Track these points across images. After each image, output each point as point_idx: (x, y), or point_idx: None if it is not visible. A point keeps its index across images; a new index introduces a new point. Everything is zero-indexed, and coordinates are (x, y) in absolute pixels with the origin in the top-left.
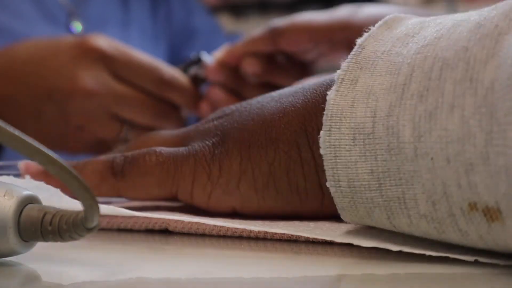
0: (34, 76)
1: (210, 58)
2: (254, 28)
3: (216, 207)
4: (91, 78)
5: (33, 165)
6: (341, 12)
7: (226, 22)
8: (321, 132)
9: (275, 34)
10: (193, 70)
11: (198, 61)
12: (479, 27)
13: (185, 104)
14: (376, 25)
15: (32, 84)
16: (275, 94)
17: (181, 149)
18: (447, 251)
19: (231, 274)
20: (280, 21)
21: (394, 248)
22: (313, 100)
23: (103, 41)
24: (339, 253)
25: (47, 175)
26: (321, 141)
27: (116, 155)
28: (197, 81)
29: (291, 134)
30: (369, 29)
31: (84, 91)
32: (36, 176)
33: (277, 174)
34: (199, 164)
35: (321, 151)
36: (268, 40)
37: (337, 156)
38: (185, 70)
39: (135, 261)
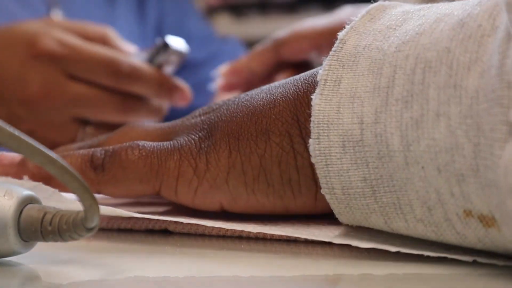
0: None
1: (177, 42)
2: (254, 28)
3: (203, 204)
4: (43, 83)
5: (6, 156)
6: (342, 14)
7: (226, 22)
8: (310, 140)
9: (277, 45)
10: (161, 57)
11: (164, 47)
12: (462, 25)
13: (152, 94)
14: (359, 15)
15: None
16: (264, 87)
17: (166, 143)
18: (445, 251)
19: (229, 272)
20: (281, 32)
21: (392, 249)
22: (305, 89)
23: (52, 41)
24: (338, 253)
25: (21, 167)
26: (310, 149)
27: (96, 148)
28: (164, 68)
29: (283, 124)
30: (351, 21)
31: (36, 97)
32: (9, 167)
33: (268, 166)
34: (185, 159)
35: (312, 160)
36: (271, 53)
37: (329, 164)
38: (152, 57)
39: (134, 260)
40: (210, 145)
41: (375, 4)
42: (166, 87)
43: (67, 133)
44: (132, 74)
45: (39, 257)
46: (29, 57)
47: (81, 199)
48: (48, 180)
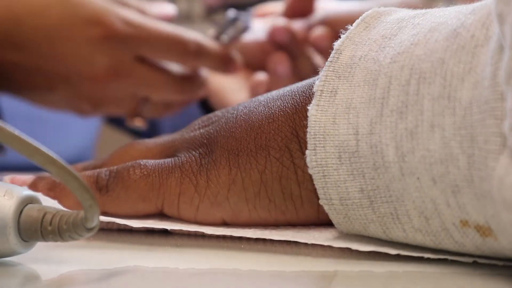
0: (47, 50)
1: (247, 18)
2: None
3: (205, 220)
4: (110, 63)
5: (19, 178)
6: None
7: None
8: (307, 151)
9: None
10: (230, 32)
11: (234, 21)
12: (455, 36)
13: (216, 69)
14: (354, 24)
15: (45, 57)
16: (262, 98)
17: (167, 161)
18: (445, 253)
19: (229, 266)
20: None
21: (392, 251)
22: (303, 103)
23: (118, 21)
24: (338, 253)
25: (33, 188)
26: (307, 160)
27: (101, 169)
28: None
29: (282, 139)
30: (347, 29)
31: (103, 78)
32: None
33: (269, 182)
34: (186, 176)
35: (309, 171)
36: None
37: (326, 175)
38: (220, 32)
39: (134, 256)
40: (211, 162)
41: (370, 12)
42: (225, 61)
43: (126, 108)
44: (198, 52)
45: (39, 257)
46: (97, 38)
47: (81, 199)
48: (59, 199)
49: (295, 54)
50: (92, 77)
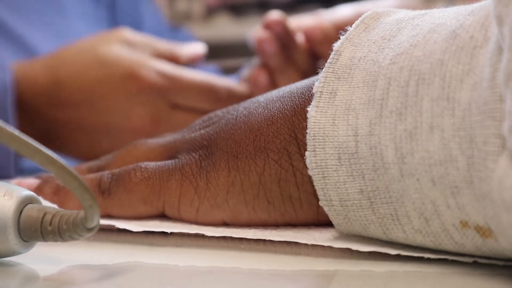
0: (87, 108)
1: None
2: (254, 28)
3: (205, 221)
4: (148, 114)
5: (25, 182)
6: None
7: (226, 22)
8: (306, 152)
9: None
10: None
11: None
12: (454, 37)
13: None
14: (354, 25)
15: (86, 115)
16: (261, 99)
17: (167, 163)
18: (445, 253)
19: (229, 264)
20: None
21: (393, 252)
22: (302, 105)
23: (152, 73)
24: (338, 253)
25: (39, 192)
26: (307, 162)
27: (104, 172)
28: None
29: (281, 142)
30: (346, 30)
31: (144, 129)
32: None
33: (267, 184)
34: (186, 178)
35: (309, 172)
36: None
37: (325, 176)
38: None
39: (134, 255)
40: (210, 164)
41: (369, 13)
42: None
43: None
44: (229, 98)
45: (39, 257)
46: (133, 92)
47: (81, 199)
48: (63, 203)
49: (290, 45)
50: (131, 129)
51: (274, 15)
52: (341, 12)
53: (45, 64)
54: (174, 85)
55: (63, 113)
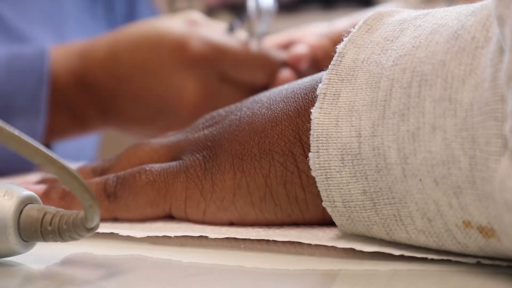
0: (140, 83)
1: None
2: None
3: (212, 222)
4: (198, 87)
5: (32, 188)
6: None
7: (226, 22)
8: (310, 154)
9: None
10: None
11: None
12: (456, 37)
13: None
14: (356, 26)
15: (140, 89)
16: (265, 99)
17: (172, 165)
18: (449, 254)
19: (233, 262)
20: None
21: (396, 252)
22: (306, 107)
23: (200, 43)
24: (341, 253)
25: (44, 198)
26: (310, 163)
27: (108, 176)
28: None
29: (285, 144)
30: (349, 32)
31: (192, 102)
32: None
33: (274, 186)
34: (191, 180)
35: (312, 173)
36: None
37: (329, 177)
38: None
39: (135, 254)
40: (215, 166)
41: (371, 14)
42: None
43: None
44: (279, 66)
45: (39, 257)
46: (183, 62)
47: (81, 199)
48: (69, 208)
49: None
50: (183, 104)
51: (299, 49)
52: (338, 25)
53: (107, 40)
54: (223, 54)
55: (120, 86)
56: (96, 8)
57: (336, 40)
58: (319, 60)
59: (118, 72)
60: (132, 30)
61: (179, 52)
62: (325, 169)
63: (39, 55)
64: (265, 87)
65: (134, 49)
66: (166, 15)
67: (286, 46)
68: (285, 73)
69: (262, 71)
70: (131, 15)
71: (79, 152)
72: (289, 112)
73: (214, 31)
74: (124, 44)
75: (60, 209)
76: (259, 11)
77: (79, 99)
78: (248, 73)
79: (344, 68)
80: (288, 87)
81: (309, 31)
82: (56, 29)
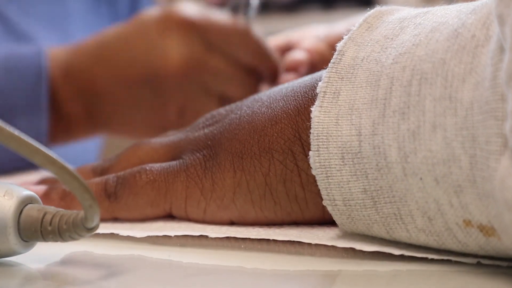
0: (124, 58)
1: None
2: (254, 28)
3: (213, 221)
4: (184, 52)
5: (32, 188)
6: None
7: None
8: (310, 152)
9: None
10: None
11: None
12: (456, 36)
13: (268, 76)
14: (356, 24)
15: (124, 66)
16: (265, 97)
17: (172, 164)
18: (449, 254)
19: (233, 263)
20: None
21: (396, 252)
22: (306, 105)
23: (190, 10)
24: (341, 253)
25: (45, 198)
26: (311, 161)
27: (109, 176)
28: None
29: (285, 142)
30: (350, 30)
31: (178, 67)
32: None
33: (273, 185)
34: (191, 179)
35: (313, 172)
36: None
37: (329, 176)
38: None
39: (137, 252)
40: (215, 165)
41: (372, 12)
42: (278, 71)
43: (210, 109)
44: (265, 52)
45: (39, 257)
46: (168, 27)
47: (81, 199)
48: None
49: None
50: (169, 72)
51: (297, 55)
52: (337, 29)
53: (95, 34)
54: (211, 23)
55: (106, 69)
56: (99, 6)
57: (334, 44)
58: (316, 64)
59: (102, 55)
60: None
61: (165, 18)
62: (325, 168)
63: (36, 53)
64: (252, 68)
65: (119, 29)
66: None
67: (284, 49)
68: (288, 77)
69: (248, 48)
70: (133, 13)
71: (82, 156)
72: (289, 111)
73: (198, 7)
74: (111, 31)
75: (60, 209)
76: None
77: (65, 95)
78: (234, 47)
79: (344, 66)
80: (288, 85)
81: (307, 34)
82: (61, 29)
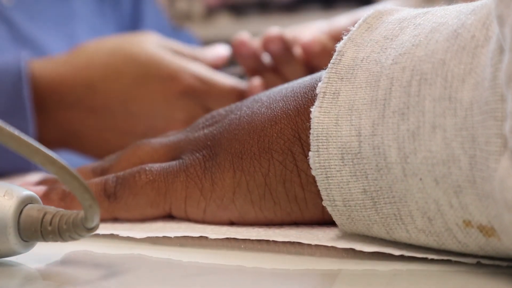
0: (122, 111)
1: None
2: (254, 28)
3: (213, 221)
4: (186, 117)
5: (32, 189)
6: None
7: (226, 22)
8: (310, 153)
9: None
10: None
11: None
12: (456, 36)
13: None
14: (356, 24)
15: (121, 118)
16: (264, 98)
17: (172, 164)
18: (449, 254)
19: (233, 262)
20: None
21: (396, 252)
22: (305, 106)
23: (191, 77)
24: (341, 253)
25: (45, 199)
26: (310, 162)
27: (108, 176)
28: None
29: (285, 142)
30: (349, 30)
31: (178, 128)
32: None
33: (273, 185)
34: (191, 179)
35: (312, 172)
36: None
37: (329, 176)
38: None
39: (137, 252)
40: (215, 165)
41: (371, 12)
42: None
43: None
44: None
45: (39, 257)
46: (174, 94)
47: (81, 199)
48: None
49: (286, 60)
50: (168, 129)
51: (273, 31)
52: (338, 22)
53: (68, 64)
54: (210, 89)
55: (94, 116)
56: (104, 8)
57: (336, 36)
58: (315, 56)
59: (92, 103)
60: (104, 57)
61: (171, 82)
62: (325, 168)
63: (16, 58)
64: None
65: (114, 79)
66: (131, 35)
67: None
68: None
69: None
70: (137, 15)
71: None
72: (289, 111)
73: (201, 66)
74: (100, 74)
75: (60, 209)
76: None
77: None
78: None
79: (344, 67)
80: (288, 86)
81: (308, 29)
82: (67, 32)
